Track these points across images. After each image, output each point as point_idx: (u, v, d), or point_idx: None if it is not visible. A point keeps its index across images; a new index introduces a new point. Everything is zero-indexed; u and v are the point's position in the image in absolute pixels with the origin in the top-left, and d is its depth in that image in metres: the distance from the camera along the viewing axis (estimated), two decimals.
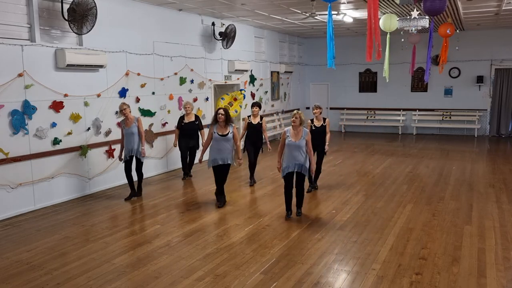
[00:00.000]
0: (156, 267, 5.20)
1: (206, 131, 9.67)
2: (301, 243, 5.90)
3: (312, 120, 8.38)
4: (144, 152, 8.01)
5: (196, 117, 9.63)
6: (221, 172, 7.50)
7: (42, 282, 4.86)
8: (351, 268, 5.13)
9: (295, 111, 6.73)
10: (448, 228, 6.45)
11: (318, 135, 8.16)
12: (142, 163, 8.12)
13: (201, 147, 8.42)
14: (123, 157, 8.01)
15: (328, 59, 6.55)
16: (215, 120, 7.35)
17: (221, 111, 7.36)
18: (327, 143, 8.33)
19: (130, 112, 7.88)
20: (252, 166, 9.18)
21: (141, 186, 8.35)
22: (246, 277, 4.91)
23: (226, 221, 6.87)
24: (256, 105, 9.13)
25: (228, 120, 7.35)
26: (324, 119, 8.37)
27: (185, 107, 9.49)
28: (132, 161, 8.03)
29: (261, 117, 9.07)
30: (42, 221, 6.94)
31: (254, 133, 9.01)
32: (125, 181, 9.22)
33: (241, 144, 9.01)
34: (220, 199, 7.69)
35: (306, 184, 7.56)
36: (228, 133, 7.30)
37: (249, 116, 9.17)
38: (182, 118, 9.57)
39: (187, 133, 9.49)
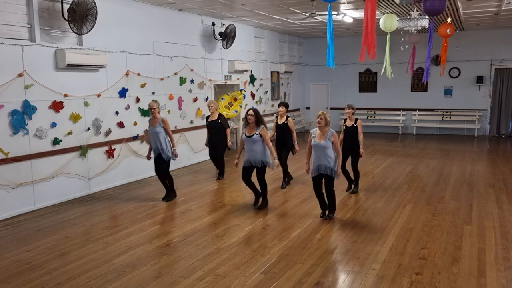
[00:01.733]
0: (156, 267, 5.20)
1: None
2: (301, 243, 5.90)
3: (344, 120, 8.27)
4: (176, 153, 7.82)
5: (219, 115, 9.43)
6: (248, 173, 7.34)
7: (42, 282, 4.86)
8: (351, 268, 5.13)
9: (320, 112, 6.61)
10: (448, 228, 6.45)
11: (348, 136, 8.09)
12: (167, 163, 7.82)
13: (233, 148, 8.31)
14: (152, 156, 7.90)
15: (328, 58, 6.54)
16: (246, 121, 7.19)
17: (251, 111, 7.17)
18: (361, 145, 8.08)
19: (159, 112, 7.74)
20: (282, 167, 8.85)
21: (173, 188, 8.08)
22: (246, 277, 4.91)
23: (226, 221, 6.87)
24: (283, 104, 8.82)
25: (258, 120, 7.12)
26: (356, 120, 8.17)
27: (208, 106, 9.44)
28: (162, 161, 7.76)
29: (287, 117, 8.76)
30: (42, 221, 6.94)
31: (280, 133, 8.75)
32: (125, 181, 9.28)
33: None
34: (257, 201, 7.60)
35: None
36: (253, 134, 7.09)
37: (276, 116, 8.96)
38: (207, 117, 9.56)
39: (210, 132, 9.42)
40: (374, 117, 17.84)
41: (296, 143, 8.74)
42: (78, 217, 7.17)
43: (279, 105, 8.90)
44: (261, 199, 7.61)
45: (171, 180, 8.04)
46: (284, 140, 8.72)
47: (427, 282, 4.75)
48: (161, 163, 7.80)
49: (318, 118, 6.56)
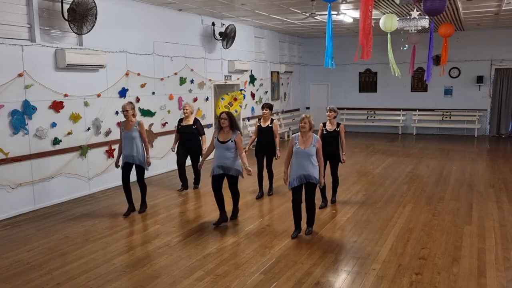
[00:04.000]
0: (156, 267, 5.20)
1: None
2: (301, 243, 5.90)
3: (324, 124, 7.50)
4: (149, 161, 7.18)
5: (195, 120, 8.60)
6: (220, 182, 6.62)
7: (42, 282, 4.86)
8: (351, 268, 5.13)
9: (303, 115, 5.99)
10: (448, 228, 6.45)
11: (329, 141, 7.32)
12: (144, 172, 7.24)
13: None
14: (120, 163, 7.23)
15: (326, 58, 6.50)
16: (219, 125, 6.55)
17: (224, 115, 6.49)
18: (343, 153, 7.47)
19: (133, 114, 7.03)
20: (260, 175, 8.24)
21: (145, 199, 7.44)
22: (246, 277, 4.91)
23: (226, 221, 6.86)
24: (267, 106, 8.16)
25: (233, 125, 6.48)
26: (338, 124, 7.45)
27: (183, 109, 8.63)
28: (131, 169, 7.15)
29: (272, 120, 8.16)
30: (42, 221, 6.94)
31: (263, 138, 8.12)
32: None
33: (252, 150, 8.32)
34: (221, 221, 6.72)
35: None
36: (228, 140, 6.43)
37: (259, 119, 8.36)
38: (180, 120, 8.72)
39: (183, 137, 8.53)
40: (374, 117, 17.84)
41: (278, 149, 8.07)
42: (78, 217, 7.17)
43: (263, 107, 8.22)
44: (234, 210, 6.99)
45: (144, 189, 7.38)
46: (268, 144, 8.10)
47: (427, 282, 4.75)
48: (129, 171, 7.14)
49: (301, 122, 5.94)
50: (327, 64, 6.42)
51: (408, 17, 8.96)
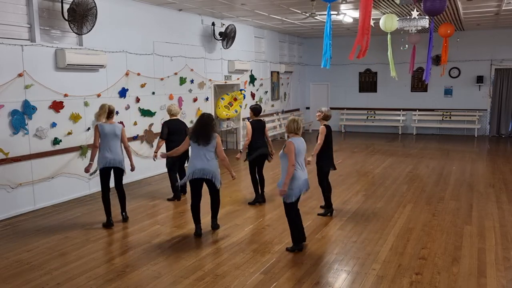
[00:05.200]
0: (156, 267, 5.20)
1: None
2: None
3: None
4: (88, 169, 6.65)
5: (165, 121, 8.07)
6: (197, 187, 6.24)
7: (42, 282, 4.86)
8: (351, 268, 5.13)
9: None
10: (448, 228, 6.45)
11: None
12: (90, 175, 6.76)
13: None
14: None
15: (323, 58, 6.49)
16: None
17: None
18: (312, 153, 6.86)
19: (100, 115, 6.67)
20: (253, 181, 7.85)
21: (124, 206, 6.98)
22: (246, 277, 4.91)
23: (226, 221, 6.86)
24: (250, 108, 7.84)
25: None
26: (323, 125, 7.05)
27: None
28: (109, 175, 6.77)
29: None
30: (42, 221, 6.94)
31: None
32: (125, 181, 9.05)
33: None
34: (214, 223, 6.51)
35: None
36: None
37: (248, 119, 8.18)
38: None
39: None
40: (374, 117, 17.84)
41: (240, 151, 7.58)
42: (78, 217, 7.17)
43: (250, 108, 7.88)
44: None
45: (106, 203, 6.78)
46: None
47: (427, 282, 4.75)
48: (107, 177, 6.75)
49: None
50: (324, 64, 6.41)
51: (408, 17, 8.96)
